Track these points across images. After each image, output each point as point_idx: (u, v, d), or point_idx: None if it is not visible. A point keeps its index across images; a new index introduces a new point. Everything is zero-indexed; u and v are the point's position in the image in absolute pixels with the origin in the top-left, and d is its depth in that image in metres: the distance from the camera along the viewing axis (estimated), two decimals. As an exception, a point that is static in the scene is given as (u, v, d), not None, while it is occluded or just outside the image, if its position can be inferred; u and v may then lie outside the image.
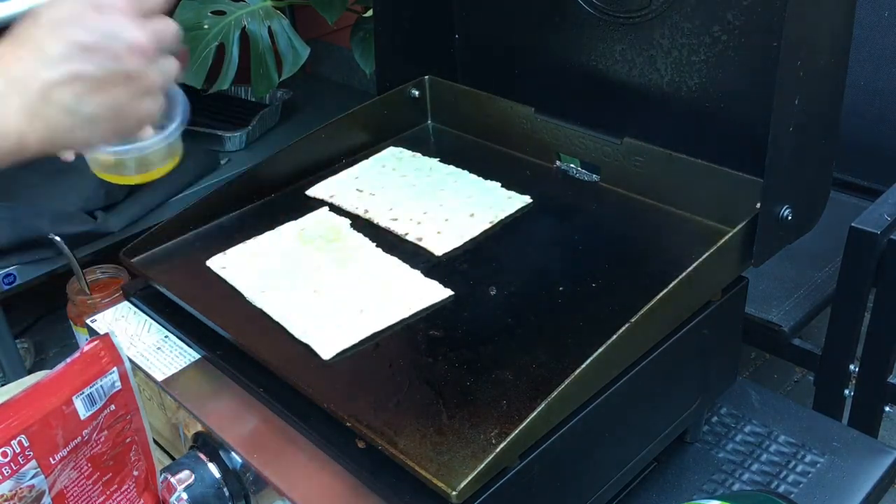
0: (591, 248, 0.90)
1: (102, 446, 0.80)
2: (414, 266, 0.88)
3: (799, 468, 0.93)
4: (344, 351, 0.78)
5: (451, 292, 0.84)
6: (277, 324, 0.82)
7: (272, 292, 0.86)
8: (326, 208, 0.99)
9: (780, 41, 0.75)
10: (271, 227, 0.96)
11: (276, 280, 0.87)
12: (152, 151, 0.77)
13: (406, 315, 0.82)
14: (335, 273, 0.88)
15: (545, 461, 0.70)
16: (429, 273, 0.87)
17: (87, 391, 0.76)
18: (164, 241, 0.95)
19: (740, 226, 0.80)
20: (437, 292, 0.84)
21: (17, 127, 0.58)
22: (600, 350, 0.70)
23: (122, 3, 0.61)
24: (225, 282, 0.88)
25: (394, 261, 0.89)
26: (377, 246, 0.92)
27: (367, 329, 0.80)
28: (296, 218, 0.97)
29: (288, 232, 0.95)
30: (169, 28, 0.65)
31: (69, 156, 0.81)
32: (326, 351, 0.78)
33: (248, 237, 0.94)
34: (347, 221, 0.96)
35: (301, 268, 0.89)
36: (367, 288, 0.86)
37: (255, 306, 0.84)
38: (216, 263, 0.90)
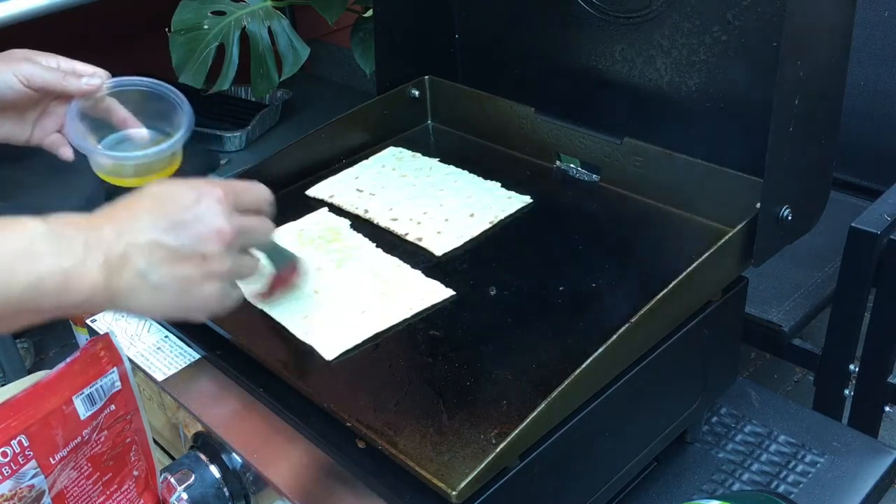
0: (591, 248, 0.90)
1: (102, 446, 0.80)
2: (414, 266, 0.88)
3: (799, 468, 0.93)
4: (346, 351, 0.78)
5: (453, 292, 0.84)
6: (277, 323, 0.82)
7: None
8: (326, 209, 0.99)
9: (780, 41, 0.75)
10: (271, 227, 0.96)
11: None
12: (155, 160, 0.80)
13: (408, 315, 0.82)
14: (335, 273, 0.88)
15: (545, 461, 0.70)
16: (429, 273, 0.87)
17: (87, 391, 0.76)
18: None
19: (740, 226, 0.80)
20: (439, 292, 0.84)
21: (93, 281, 0.61)
22: (600, 350, 0.70)
23: (220, 194, 0.66)
24: (225, 282, 0.88)
25: (394, 261, 0.89)
26: (377, 246, 0.92)
27: (369, 329, 0.80)
28: (296, 218, 0.97)
29: (287, 232, 0.95)
30: (260, 227, 0.70)
31: (68, 152, 0.83)
32: (329, 351, 0.78)
33: (248, 237, 0.94)
34: (347, 222, 0.96)
35: None
36: (369, 288, 0.86)
37: (255, 306, 0.84)
38: None
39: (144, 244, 0.62)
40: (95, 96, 0.82)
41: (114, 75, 0.84)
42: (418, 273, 0.87)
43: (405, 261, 0.89)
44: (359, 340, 0.79)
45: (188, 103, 0.83)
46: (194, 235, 0.64)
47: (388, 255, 0.90)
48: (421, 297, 0.84)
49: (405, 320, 0.81)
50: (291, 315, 0.82)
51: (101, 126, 0.85)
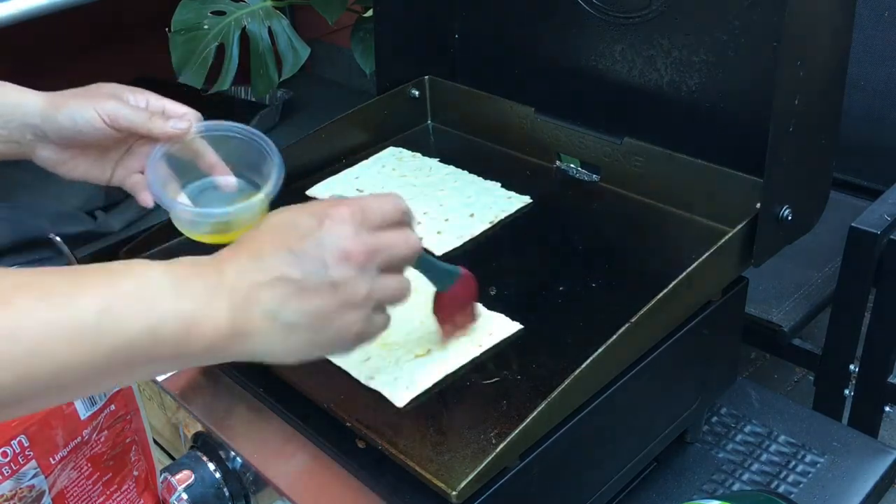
0: (591, 248, 0.90)
1: (102, 446, 0.80)
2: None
3: (799, 468, 0.93)
4: (417, 397, 0.73)
5: (521, 326, 0.79)
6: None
7: None
8: None
9: (780, 41, 0.75)
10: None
11: None
12: (236, 219, 0.74)
13: (477, 353, 0.76)
14: (390, 310, 0.82)
15: (545, 461, 0.70)
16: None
17: (87, 391, 0.76)
18: (164, 241, 0.94)
19: (740, 226, 0.80)
20: (506, 326, 0.79)
21: (217, 325, 0.55)
22: (600, 350, 0.70)
23: (345, 212, 0.60)
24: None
25: None
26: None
27: (439, 371, 0.75)
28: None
29: None
30: (401, 242, 0.62)
31: (148, 199, 0.76)
32: (400, 399, 0.72)
33: (248, 237, 0.94)
34: None
35: None
36: (430, 325, 0.78)
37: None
38: None
39: (268, 281, 0.57)
40: (183, 140, 0.76)
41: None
42: (478, 305, 0.80)
43: None
44: (429, 384, 0.73)
45: (279, 154, 0.76)
46: (319, 262, 0.58)
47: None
48: (489, 333, 0.78)
49: (474, 359, 0.76)
50: (351, 358, 0.76)
51: (189, 169, 0.78)
